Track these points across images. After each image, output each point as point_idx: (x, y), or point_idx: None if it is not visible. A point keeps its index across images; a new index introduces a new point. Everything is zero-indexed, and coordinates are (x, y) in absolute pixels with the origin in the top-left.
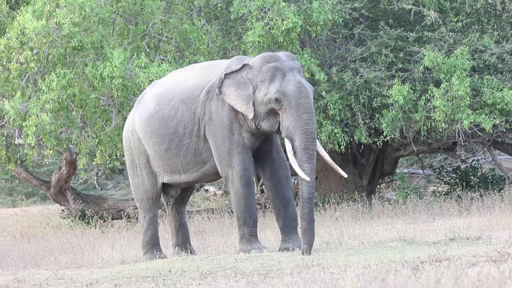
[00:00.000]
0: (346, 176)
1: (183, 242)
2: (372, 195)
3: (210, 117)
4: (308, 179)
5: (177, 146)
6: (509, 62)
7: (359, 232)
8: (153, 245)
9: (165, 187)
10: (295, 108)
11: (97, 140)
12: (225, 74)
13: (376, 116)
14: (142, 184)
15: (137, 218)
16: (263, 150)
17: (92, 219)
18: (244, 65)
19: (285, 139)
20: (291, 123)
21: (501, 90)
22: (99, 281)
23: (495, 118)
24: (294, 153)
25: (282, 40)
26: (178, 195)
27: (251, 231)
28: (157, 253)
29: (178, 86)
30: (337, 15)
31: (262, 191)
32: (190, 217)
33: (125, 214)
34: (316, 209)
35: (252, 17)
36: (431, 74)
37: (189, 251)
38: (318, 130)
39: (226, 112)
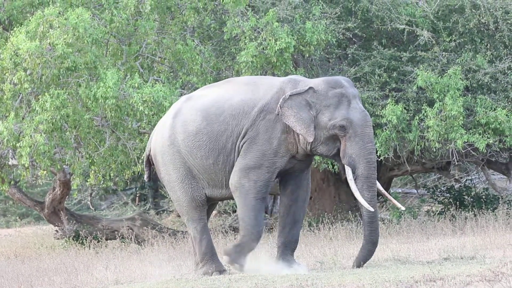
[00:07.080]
0: (403, 209)
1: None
2: None
3: (257, 135)
4: (371, 209)
5: (224, 161)
6: (502, 82)
7: (353, 251)
8: (210, 255)
9: None
10: (360, 137)
11: (90, 161)
12: (290, 95)
13: None
14: (185, 196)
15: (131, 238)
16: (297, 168)
17: (86, 240)
18: (309, 88)
19: (346, 166)
20: (355, 151)
21: (494, 109)
22: None
23: (489, 138)
24: (355, 180)
25: (275, 60)
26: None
27: (251, 245)
28: (214, 264)
29: (226, 101)
30: (330, 35)
31: None
32: (184, 237)
33: (119, 235)
34: (310, 229)
35: (245, 37)
36: (425, 94)
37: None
38: None
39: (277, 134)
